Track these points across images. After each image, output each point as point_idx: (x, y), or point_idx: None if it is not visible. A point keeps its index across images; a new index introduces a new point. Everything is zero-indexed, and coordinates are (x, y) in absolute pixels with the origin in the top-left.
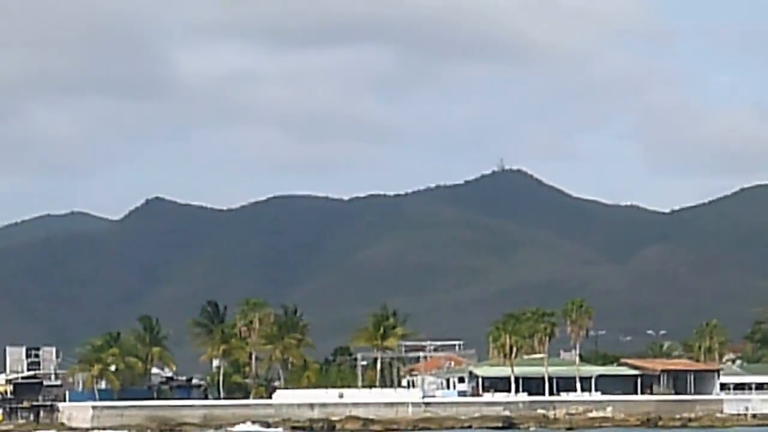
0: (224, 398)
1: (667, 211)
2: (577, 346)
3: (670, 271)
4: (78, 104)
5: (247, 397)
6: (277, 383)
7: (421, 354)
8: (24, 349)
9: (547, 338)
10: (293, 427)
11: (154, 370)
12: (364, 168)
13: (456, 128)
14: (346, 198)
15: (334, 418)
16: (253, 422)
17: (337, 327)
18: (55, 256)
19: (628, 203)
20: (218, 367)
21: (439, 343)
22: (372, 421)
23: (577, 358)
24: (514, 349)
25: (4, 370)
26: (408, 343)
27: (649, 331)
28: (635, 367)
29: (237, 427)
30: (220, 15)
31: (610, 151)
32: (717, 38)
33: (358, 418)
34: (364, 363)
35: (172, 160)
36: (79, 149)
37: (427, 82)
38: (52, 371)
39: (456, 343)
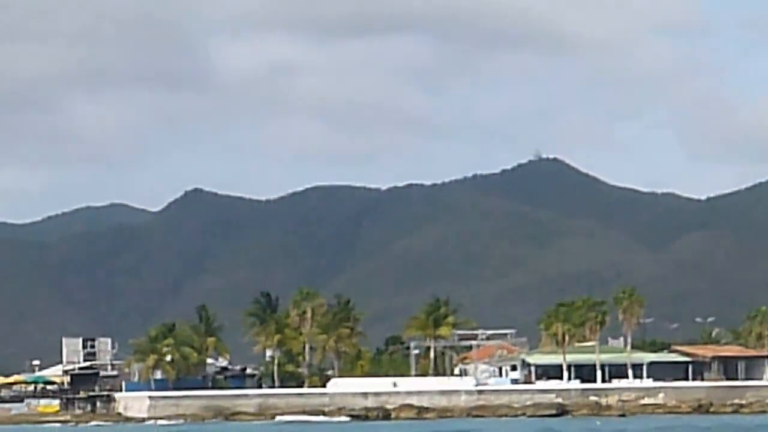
0: (278, 388)
1: (704, 198)
2: (629, 334)
3: (708, 258)
4: (118, 96)
5: (300, 386)
6: (329, 372)
7: (474, 343)
8: (80, 340)
9: (599, 326)
10: (348, 416)
11: (209, 360)
12: (402, 158)
13: (493, 118)
14: (384, 188)
15: (388, 407)
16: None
17: (377, 316)
18: (96, 248)
19: (666, 191)
20: (272, 357)
21: (491, 331)
22: (426, 409)
23: (629, 346)
24: (566, 338)
25: (61, 361)
26: (460, 331)
27: (698, 319)
28: (686, 354)
29: (281, 418)
30: (261, 6)
31: (647, 140)
32: (755, 27)
33: (412, 407)
34: (416, 352)
35: (212, 152)
36: (118, 141)
37: (465, 72)
38: (108, 362)
39: (508, 331)
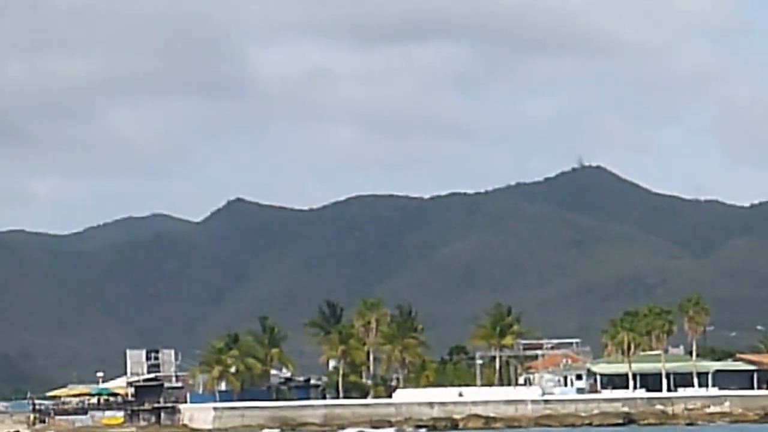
0: (342, 398)
1: (747, 204)
2: (694, 343)
3: (752, 265)
4: (158, 105)
5: (364, 396)
6: (393, 383)
7: (539, 352)
8: (144, 352)
9: (665, 335)
10: (417, 426)
11: (273, 371)
12: (444, 166)
13: (534, 125)
14: (426, 196)
15: (456, 417)
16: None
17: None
18: (138, 258)
19: (709, 198)
20: (336, 368)
21: (556, 341)
22: (494, 419)
23: (694, 354)
24: (632, 347)
25: (125, 373)
26: (525, 341)
27: (759, 327)
28: (751, 362)
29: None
30: (299, 13)
31: (689, 145)
32: None
33: (479, 416)
34: (480, 362)
35: (253, 161)
36: (158, 150)
37: (506, 79)
38: (173, 373)
39: (573, 341)
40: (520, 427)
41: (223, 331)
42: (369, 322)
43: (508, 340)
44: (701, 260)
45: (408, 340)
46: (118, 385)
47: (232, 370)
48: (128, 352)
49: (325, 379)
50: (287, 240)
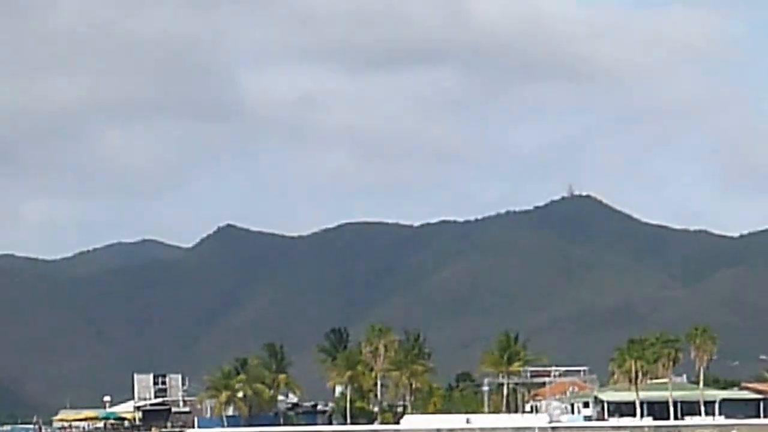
0: (350, 424)
1: (736, 235)
2: (701, 371)
3: (742, 295)
4: (150, 130)
5: (371, 422)
6: (400, 408)
7: (547, 379)
8: (151, 376)
9: (672, 363)
10: None
11: (280, 397)
12: (434, 193)
13: (525, 152)
14: (416, 224)
15: None
16: None
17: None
18: (129, 283)
19: (698, 228)
20: (342, 393)
21: (563, 368)
22: None
23: (701, 383)
24: (640, 374)
25: (133, 397)
26: (533, 368)
27: (762, 356)
28: (758, 392)
29: None
30: (291, 38)
31: (679, 175)
32: None
33: None
34: (486, 388)
35: (244, 187)
36: (150, 175)
37: (497, 106)
38: (180, 398)
39: (581, 368)
40: None
41: (215, 356)
42: (377, 348)
43: (515, 366)
44: (692, 289)
45: (416, 367)
46: (125, 409)
47: (240, 395)
48: (136, 376)
49: (332, 404)
50: (278, 266)
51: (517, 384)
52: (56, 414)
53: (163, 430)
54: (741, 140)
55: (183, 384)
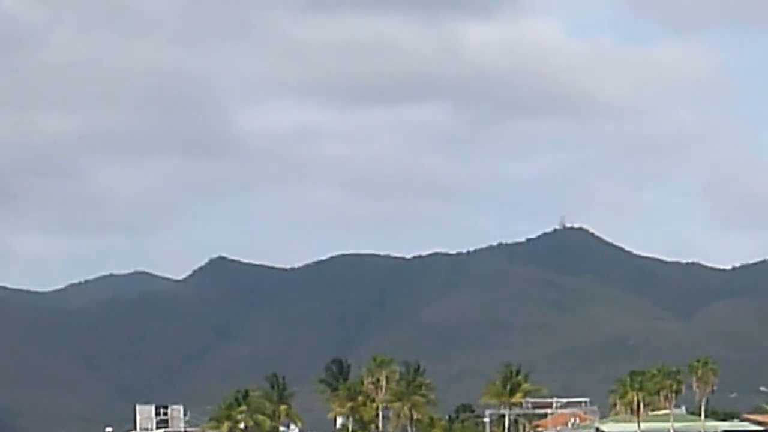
0: None
1: (728, 267)
2: (703, 403)
3: (735, 327)
4: (141, 163)
5: None
6: None
7: (549, 410)
8: (153, 407)
9: (674, 395)
10: None
11: (281, 428)
12: (426, 226)
13: (517, 185)
14: (408, 256)
15: None
16: None
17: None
18: (121, 315)
19: (690, 260)
20: (344, 425)
21: (565, 399)
22: None
23: (703, 414)
24: (641, 406)
25: (134, 428)
26: (534, 399)
27: (762, 388)
28: (758, 423)
29: None
30: (283, 73)
31: (671, 207)
32: None
33: None
34: (486, 420)
35: (236, 219)
36: (142, 208)
37: (488, 139)
38: (182, 429)
39: (582, 400)
40: None
41: (206, 389)
42: (378, 380)
43: (517, 397)
44: (684, 322)
45: (416, 398)
46: None
47: (241, 426)
48: (138, 407)
49: None
50: (270, 298)
51: (518, 415)
52: None
53: None
54: (733, 173)
55: (185, 415)
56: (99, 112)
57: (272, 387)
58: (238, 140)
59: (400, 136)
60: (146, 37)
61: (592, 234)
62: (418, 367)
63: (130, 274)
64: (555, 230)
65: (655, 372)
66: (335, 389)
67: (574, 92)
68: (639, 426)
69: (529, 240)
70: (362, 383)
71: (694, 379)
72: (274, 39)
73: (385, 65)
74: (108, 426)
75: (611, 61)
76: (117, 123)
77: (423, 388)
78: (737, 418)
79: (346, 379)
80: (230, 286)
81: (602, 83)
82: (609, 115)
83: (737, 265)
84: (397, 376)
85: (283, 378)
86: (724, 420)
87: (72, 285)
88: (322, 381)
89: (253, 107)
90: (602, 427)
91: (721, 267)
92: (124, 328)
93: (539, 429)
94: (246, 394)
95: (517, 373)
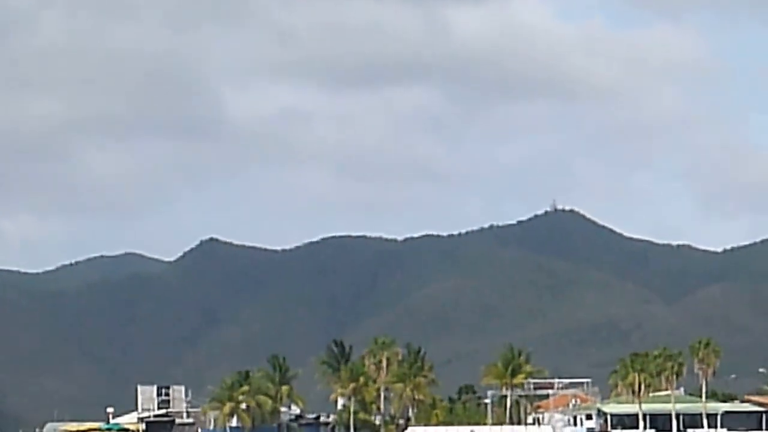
0: None
1: (719, 250)
2: (704, 384)
3: (725, 311)
4: (131, 145)
5: None
6: (401, 421)
7: (550, 392)
8: (155, 388)
9: (675, 376)
10: None
11: (283, 409)
12: (418, 208)
13: (508, 168)
14: (400, 238)
15: None
16: None
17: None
18: (111, 297)
19: (681, 243)
20: (345, 406)
21: (567, 380)
22: None
23: (704, 396)
24: (643, 387)
25: (136, 409)
26: (536, 380)
27: (761, 369)
28: (759, 404)
29: None
30: (272, 55)
31: (662, 190)
32: None
33: None
34: (487, 401)
35: (226, 201)
36: (132, 190)
37: (479, 122)
38: (184, 409)
39: (583, 381)
40: None
41: (196, 371)
42: (381, 361)
43: (519, 379)
44: (674, 306)
45: (419, 379)
46: (128, 420)
47: (243, 406)
48: (139, 387)
49: (334, 416)
50: (261, 281)
51: (520, 396)
52: (42, 427)
53: None
54: (722, 157)
55: (186, 395)
56: (89, 95)
57: (274, 368)
58: (228, 122)
59: (389, 119)
60: (135, 20)
61: (584, 216)
62: (420, 348)
63: (120, 256)
64: (546, 213)
65: (656, 354)
66: (336, 370)
67: (564, 75)
68: (640, 407)
69: (520, 222)
70: (364, 364)
71: (696, 360)
72: (264, 21)
73: (374, 48)
74: (109, 407)
75: (601, 45)
76: (107, 106)
77: (424, 369)
78: (735, 399)
79: (347, 361)
80: (221, 268)
81: (592, 66)
82: (599, 98)
83: (728, 248)
84: (399, 358)
85: (284, 359)
86: (723, 401)
87: (62, 267)
88: (323, 362)
89: (243, 89)
90: (604, 409)
91: (713, 250)
92: (115, 309)
93: (540, 410)
94: (247, 375)
95: (519, 354)
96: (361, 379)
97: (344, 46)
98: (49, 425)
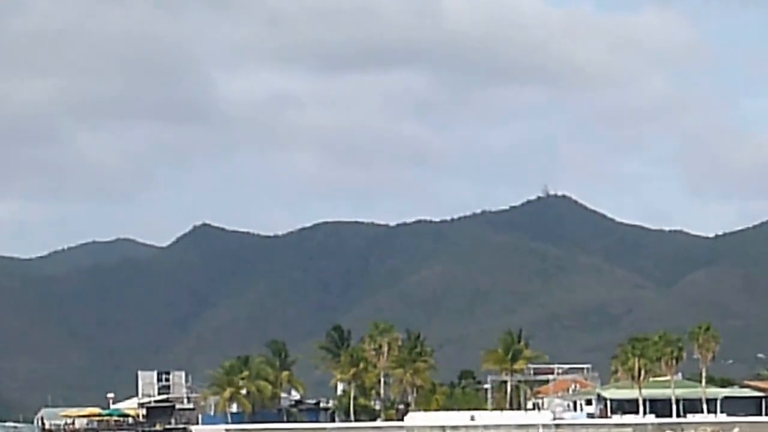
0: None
1: (711, 235)
2: (704, 369)
3: (717, 296)
4: (122, 130)
5: (373, 420)
6: (401, 406)
7: (551, 377)
8: (155, 373)
9: (674, 361)
10: None
11: (283, 394)
12: (409, 193)
13: (499, 153)
14: (392, 224)
15: None
16: None
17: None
18: (103, 282)
19: (673, 228)
20: (344, 391)
21: (567, 366)
22: None
23: (704, 381)
24: (643, 372)
25: (136, 394)
26: (536, 365)
27: (760, 355)
28: (759, 389)
29: None
30: (263, 39)
31: (653, 175)
32: (759, 62)
33: None
34: (487, 386)
35: (218, 186)
36: (123, 175)
37: (470, 107)
38: (184, 395)
39: (584, 366)
40: None
41: (188, 356)
42: (380, 346)
43: (519, 364)
44: (666, 290)
45: (419, 364)
46: (129, 406)
47: (243, 392)
48: (139, 373)
49: (333, 402)
50: (253, 266)
51: (519, 382)
52: (38, 412)
53: (168, 426)
54: (712, 142)
55: (186, 381)
56: (79, 79)
57: (273, 353)
58: (220, 107)
59: (381, 103)
60: (127, 3)
61: (575, 201)
62: (419, 334)
63: (112, 241)
64: (538, 198)
65: (656, 339)
66: (336, 356)
67: (554, 60)
68: (640, 392)
69: (512, 208)
70: (364, 350)
71: (695, 345)
72: (254, 5)
73: (364, 31)
74: (109, 392)
75: (590, 29)
76: (97, 89)
77: (424, 354)
78: (733, 384)
79: (347, 346)
80: (213, 253)
81: (582, 51)
82: (589, 82)
83: (720, 232)
84: (399, 343)
85: (284, 344)
86: (722, 386)
87: (54, 252)
88: (322, 347)
89: (234, 74)
90: (603, 394)
91: (704, 234)
92: (107, 294)
93: (540, 395)
94: (247, 360)
95: (519, 340)
96: (361, 365)
97: (335, 30)
98: (44, 410)
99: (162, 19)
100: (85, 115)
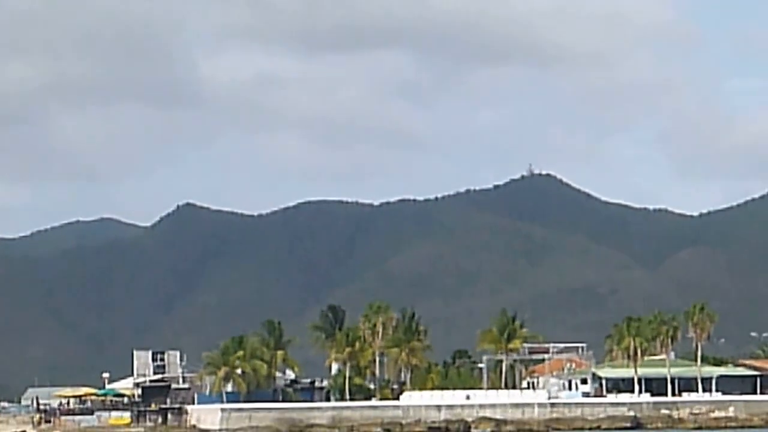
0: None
1: (696, 214)
2: (699, 349)
3: (701, 275)
4: (106, 110)
5: (368, 399)
6: (396, 386)
7: (546, 356)
8: (150, 353)
9: (670, 341)
10: (429, 428)
11: (278, 374)
12: (394, 173)
13: (484, 133)
14: (376, 203)
15: (468, 419)
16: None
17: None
18: (87, 262)
19: (658, 207)
20: (339, 370)
21: (562, 345)
22: (504, 422)
23: (699, 360)
24: (638, 352)
25: (132, 374)
26: (531, 345)
27: (753, 333)
28: (754, 368)
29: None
30: (247, 20)
31: (638, 155)
32: (745, 42)
33: (490, 419)
34: (482, 366)
35: (202, 166)
36: (107, 155)
37: (454, 87)
38: (179, 374)
39: (579, 345)
40: (530, 430)
41: (173, 338)
42: (375, 326)
43: (515, 344)
44: (651, 270)
45: (414, 344)
46: (124, 386)
47: (239, 371)
48: (135, 353)
49: (328, 381)
50: (237, 246)
51: (515, 361)
52: (24, 393)
53: (163, 406)
54: (695, 122)
55: (181, 361)
56: (63, 61)
57: (269, 333)
58: (204, 88)
59: (364, 84)
60: None
61: (560, 181)
62: (413, 313)
63: (96, 221)
64: (522, 177)
65: (651, 318)
66: (331, 336)
67: (539, 40)
68: (636, 371)
69: (496, 187)
70: (359, 329)
71: (690, 325)
72: None
73: (349, 12)
74: (105, 372)
75: (576, 9)
76: (80, 71)
77: (418, 334)
78: (727, 363)
79: (341, 326)
80: (197, 233)
81: (567, 31)
82: (574, 62)
83: (704, 211)
84: (394, 323)
85: (279, 323)
86: (716, 365)
87: (37, 232)
88: (316, 327)
89: (217, 55)
90: (599, 373)
91: (689, 213)
92: (91, 275)
93: (535, 374)
94: (242, 340)
95: (514, 320)
96: (357, 344)
97: (319, 11)
98: (30, 390)
99: (146, 2)
100: (68, 97)
